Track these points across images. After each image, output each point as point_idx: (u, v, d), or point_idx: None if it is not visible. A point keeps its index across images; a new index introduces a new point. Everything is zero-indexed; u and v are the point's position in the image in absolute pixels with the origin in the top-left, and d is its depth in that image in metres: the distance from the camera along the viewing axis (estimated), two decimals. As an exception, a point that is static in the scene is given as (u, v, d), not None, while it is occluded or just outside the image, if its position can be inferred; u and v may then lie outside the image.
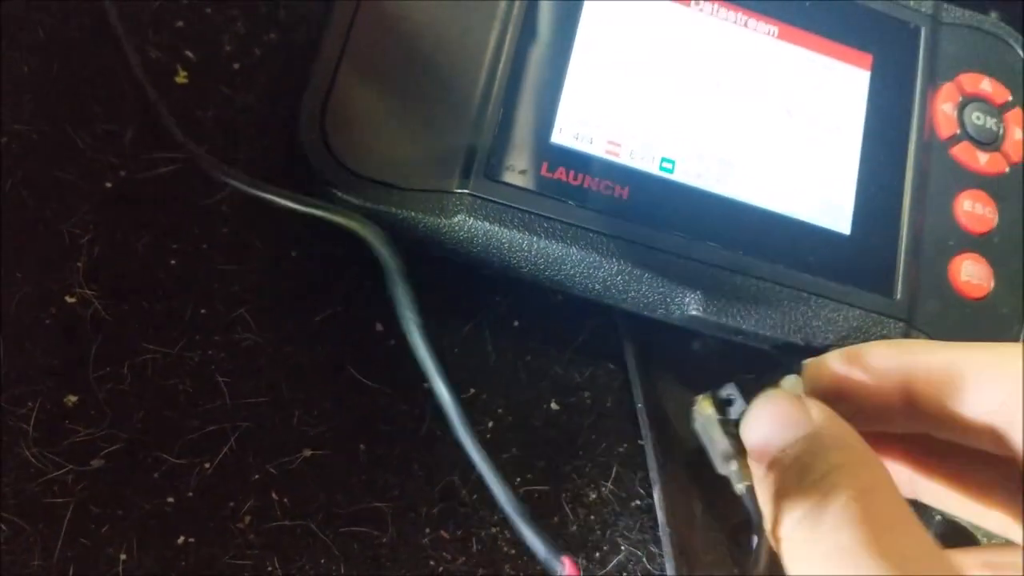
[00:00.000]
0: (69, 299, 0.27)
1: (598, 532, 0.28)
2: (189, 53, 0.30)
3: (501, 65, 0.28)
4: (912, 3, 0.31)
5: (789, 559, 0.19)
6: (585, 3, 0.29)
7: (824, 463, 0.19)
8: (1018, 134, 0.31)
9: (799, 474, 0.19)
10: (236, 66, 0.30)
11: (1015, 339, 0.29)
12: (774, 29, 0.30)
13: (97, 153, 0.28)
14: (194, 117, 0.29)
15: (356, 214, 0.26)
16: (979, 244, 0.30)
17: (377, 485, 0.27)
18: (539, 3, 0.29)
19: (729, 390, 0.23)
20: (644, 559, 0.28)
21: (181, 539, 0.25)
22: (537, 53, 0.29)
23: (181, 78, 0.30)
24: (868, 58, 0.30)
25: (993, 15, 0.39)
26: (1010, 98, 0.31)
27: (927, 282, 0.29)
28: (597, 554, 0.27)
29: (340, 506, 0.26)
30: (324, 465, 0.27)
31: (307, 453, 0.27)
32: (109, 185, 0.28)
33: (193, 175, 0.28)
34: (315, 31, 0.31)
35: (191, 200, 0.28)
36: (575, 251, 0.27)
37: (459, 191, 0.27)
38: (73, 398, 0.26)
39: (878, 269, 0.29)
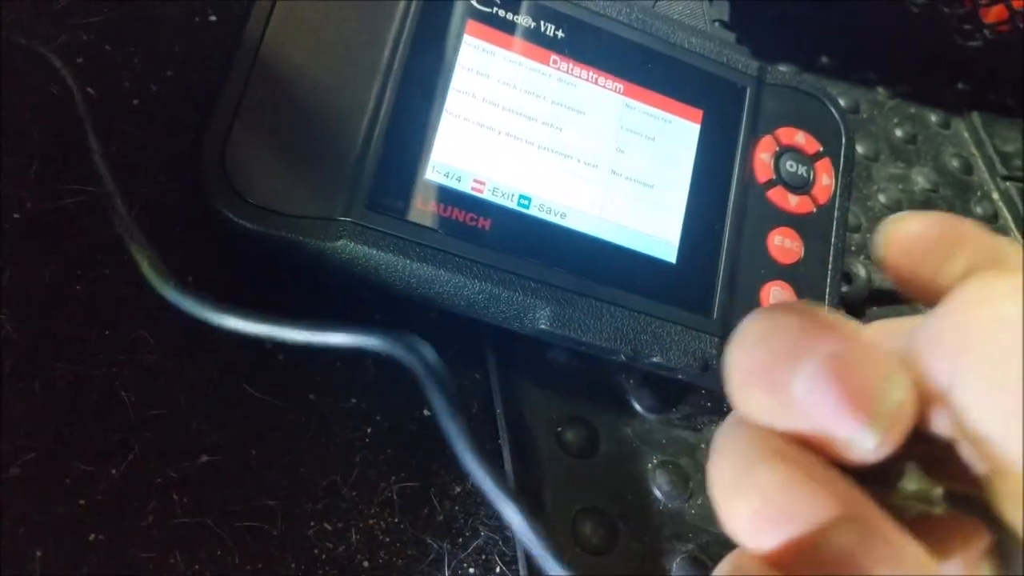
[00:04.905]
0: (-19, 323, 0.29)
1: (461, 520, 0.32)
2: (90, 89, 0.33)
3: (383, 109, 0.32)
4: (740, 66, 0.36)
5: None
6: (458, 62, 0.33)
7: None
8: (826, 180, 0.36)
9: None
10: (135, 102, 0.33)
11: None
12: (620, 86, 0.34)
13: (5, 186, 0.31)
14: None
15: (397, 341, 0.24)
16: (786, 273, 0.35)
17: (267, 485, 0.30)
18: (417, 58, 0.32)
19: None
20: (500, 542, 0.32)
21: (92, 536, 0.28)
22: (415, 101, 0.32)
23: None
24: (699, 113, 0.35)
25: (825, 58, 0.44)
26: (820, 149, 0.37)
27: (740, 304, 0.34)
28: (460, 539, 0.32)
29: (234, 504, 0.30)
30: (219, 468, 0.30)
31: (204, 458, 0.30)
32: (17, 216, 0.31)
33: (94, 207, 0.31)
34: (208, 68, 0.34)
35: (94, 230, 0.31)
36: (443, 273, 0.31)
37: (342, 219, 0.31)
38: (-11, 413, 0.29)
39: (699, 293, 0.34)
